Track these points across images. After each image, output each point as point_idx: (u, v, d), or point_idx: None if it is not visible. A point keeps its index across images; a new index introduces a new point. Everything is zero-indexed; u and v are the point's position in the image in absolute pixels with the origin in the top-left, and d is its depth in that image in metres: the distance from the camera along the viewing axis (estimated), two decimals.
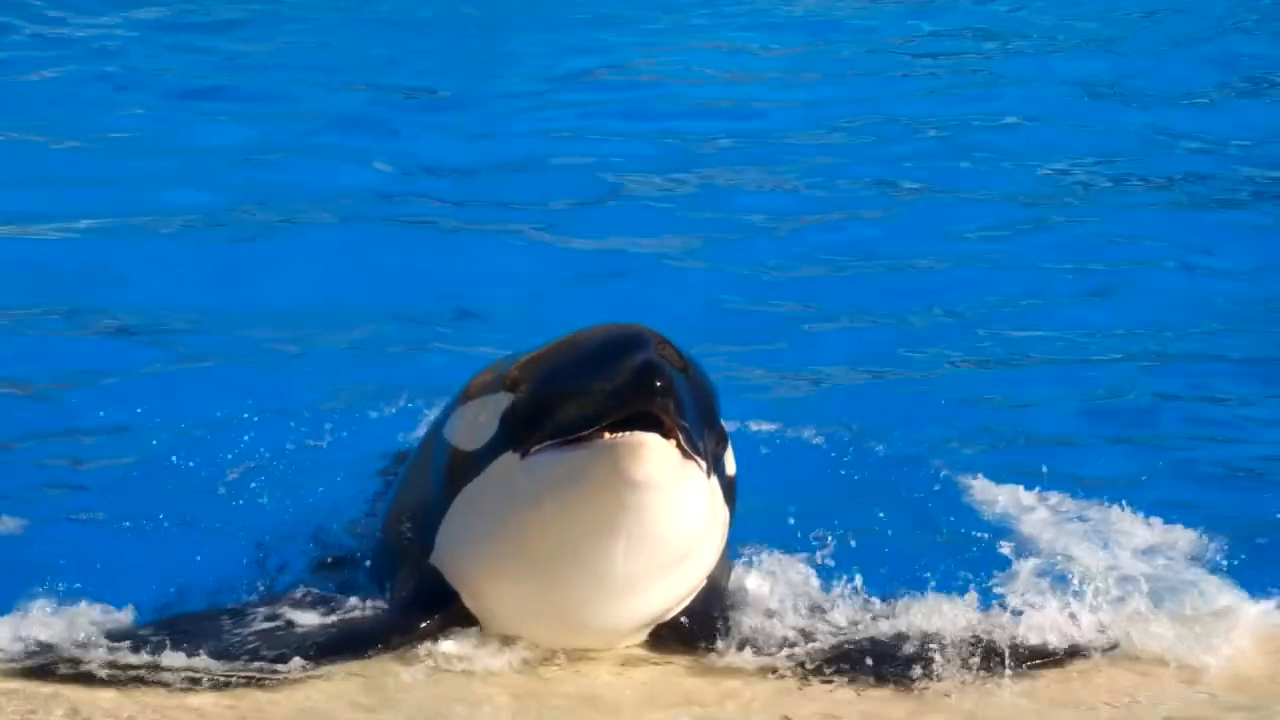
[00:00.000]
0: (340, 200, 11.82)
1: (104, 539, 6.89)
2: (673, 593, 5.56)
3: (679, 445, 5.24)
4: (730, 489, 5.67)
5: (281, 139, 13.13)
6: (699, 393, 5.40)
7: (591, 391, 5.24)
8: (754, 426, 7.87)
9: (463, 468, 5.54)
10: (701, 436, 5.35)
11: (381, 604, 5.71)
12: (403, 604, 5.66)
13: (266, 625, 5.62)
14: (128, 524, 7.13)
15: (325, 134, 13.20)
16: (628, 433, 5.18)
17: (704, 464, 5.36)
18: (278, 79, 14.58)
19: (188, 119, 13.43)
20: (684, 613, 5.67)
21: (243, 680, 5.42)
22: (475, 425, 5.54)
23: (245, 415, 8.07)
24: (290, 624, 5.64)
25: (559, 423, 5.29)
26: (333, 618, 5.67)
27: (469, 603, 5.60)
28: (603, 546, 5.33)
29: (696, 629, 5.68)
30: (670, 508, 5.30)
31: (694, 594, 5.67)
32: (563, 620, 5.53)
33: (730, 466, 5.69)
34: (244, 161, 12.51)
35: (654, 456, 5.19)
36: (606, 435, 5.20)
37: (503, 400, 5.48)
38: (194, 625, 5.65)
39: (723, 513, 5.60)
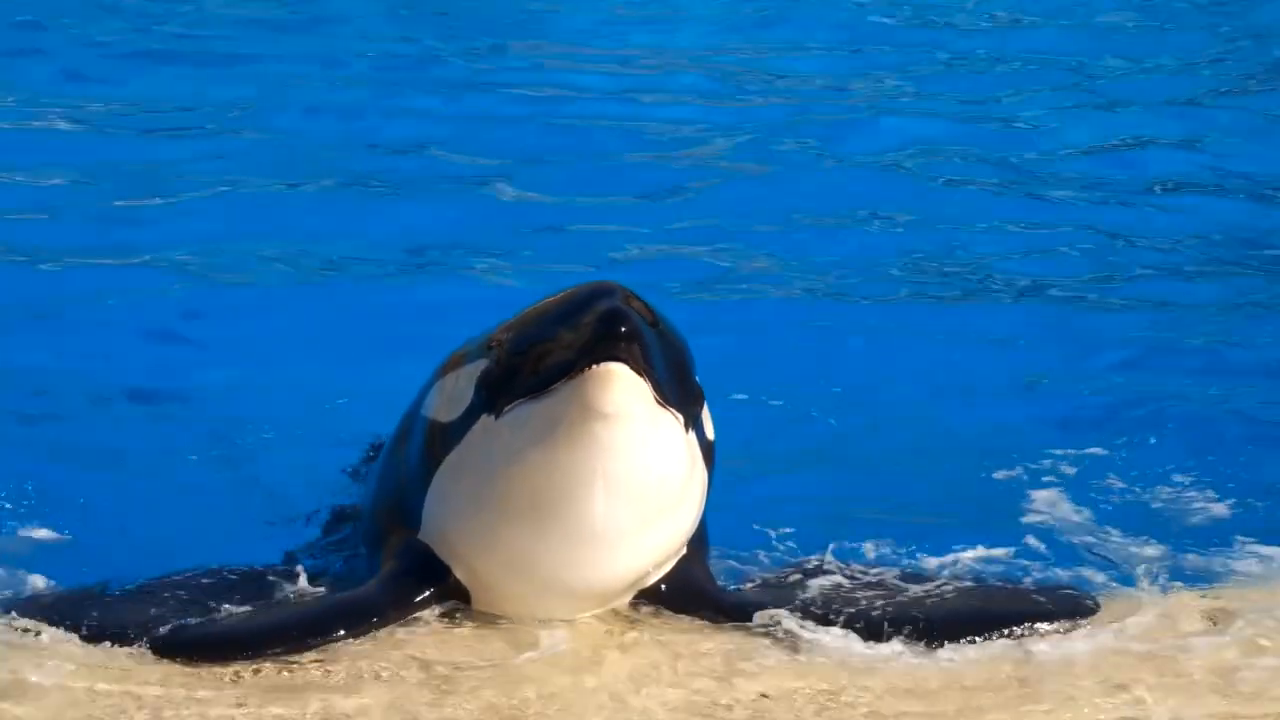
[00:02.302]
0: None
1: (91, 510, 6.92)
2: (654, 549, 5.56)
3: (649, 386, 5.26)
4: (709, 452, 5.68)
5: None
6: (669, 346, 5.42)
7: (559, 344, 5.28)
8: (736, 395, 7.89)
9: (442, 439, 5.56)
10: (673, 386, 5.36)
11: (375, 583, 5.69)
12: (395, 581, 5.65)
13: (255, 600, 5.62)
14: (113, 495, 7.20)
15: None
16: (594, 366, 5.20)
17: (678, 415, 5.39)
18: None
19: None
20: (663, 580, 5.68)
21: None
22: (452, 396, 5.58)
23: (242, 392, 8.18)
24: (282, 600, 5.64)
25: (530, 378, 5.33)
26: (325, 596, 5.65)
27: (460, 574, 5.61)
28: (582, 492, 5.34)
29: (675, 597, 5.69)
30: (644, 446, 5.32)
31: (674, 559, 5.68)
32: (549, 579, 5.51)
33: (709, 430, 5.69)
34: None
35: (621, 386, 5.21)
36: (575, 378, 5.23)
37: (477, 367, 5.51)
38: (173, 592, 5.66)
39: (702, 474, 5.61)
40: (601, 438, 5.27)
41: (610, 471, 5.32)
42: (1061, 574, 6.20)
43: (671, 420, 5.37)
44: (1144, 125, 13.56)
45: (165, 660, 5.35)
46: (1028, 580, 6.05)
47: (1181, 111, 13.89)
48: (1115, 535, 6.67)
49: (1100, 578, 6.15)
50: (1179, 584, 6.09)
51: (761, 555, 6.19)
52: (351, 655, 5.43)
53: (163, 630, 5.44)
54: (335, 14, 15.80)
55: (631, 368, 5.22)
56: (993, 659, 5.53)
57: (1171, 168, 12.49)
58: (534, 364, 5.32)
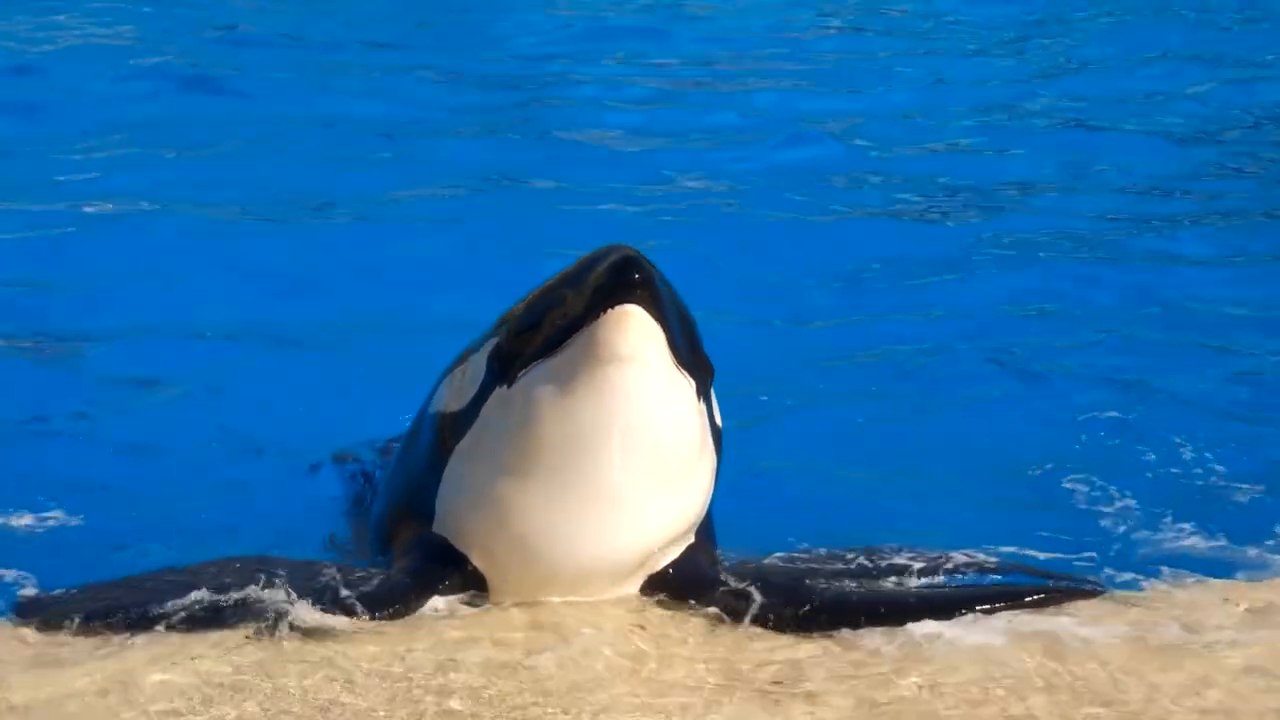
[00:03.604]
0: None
1: (112, 502, 6.91)
2: (665, 522, 5.51)
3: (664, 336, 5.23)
4: (718, 439, 5.65)
5: None
6: (680, 308, 5.39)
7: (571, 305, 5.26)
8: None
9: (454, 427, 5.55)
10: (685, 347, 5.34)
11: (393, 573, 5.66)
12: (413, 572, 5.62)
13: (267, 586, 5.56)
14: (134, 491, 7.12)
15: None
16: (609, 310, 5.18)
17: (690, 379, 5.36)
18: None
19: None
20: (671, 565, 5.64)
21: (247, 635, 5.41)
22: (462, 386, 5.57)
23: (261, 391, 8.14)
24: (299, 587, 5.57)
25: (542, 341, 5.31)
26: (344, 588, 5.57)
27: (476, 560, 5.57)
28: (599, 444, 5.30)
29: (684, 584, 5.65)
30: (659, 397, 5.29)
31: (683, 545, 5.65)
32: (563, 549, 5.45)
33: (718, 416, 5.67)
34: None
35: (637, 326, 5.20)
36: (589, 325, 5.21)
37: (487, 348, 5.50)
38: (188, 577, 5.63)
39: (712, 454, 5.58)
40: (617, 382, 5.23)
41: (626, 420, 5.27)
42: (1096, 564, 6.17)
43: (685, 382, 5.34)
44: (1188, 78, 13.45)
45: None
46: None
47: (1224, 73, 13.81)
48: (1151, 525, 6.64)
49: (1128, 567, 6.12)
50: (1213, 575, 6.05)
51: (775, 544, 6.12)
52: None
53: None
54: None
55: (646, 311, 5.18)
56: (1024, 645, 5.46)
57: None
58: (547, 327, 5.30)
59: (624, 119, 13.43)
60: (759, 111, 13.57)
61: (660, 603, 5.60)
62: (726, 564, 5.79)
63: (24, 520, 6.50)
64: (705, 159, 12.39)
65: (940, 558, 5.83)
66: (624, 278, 5.18)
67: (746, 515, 6.23)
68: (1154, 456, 7.38)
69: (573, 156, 12.46)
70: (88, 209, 10.95)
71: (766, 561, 5.89)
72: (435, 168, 12.22)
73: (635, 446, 5.31)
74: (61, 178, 11.60)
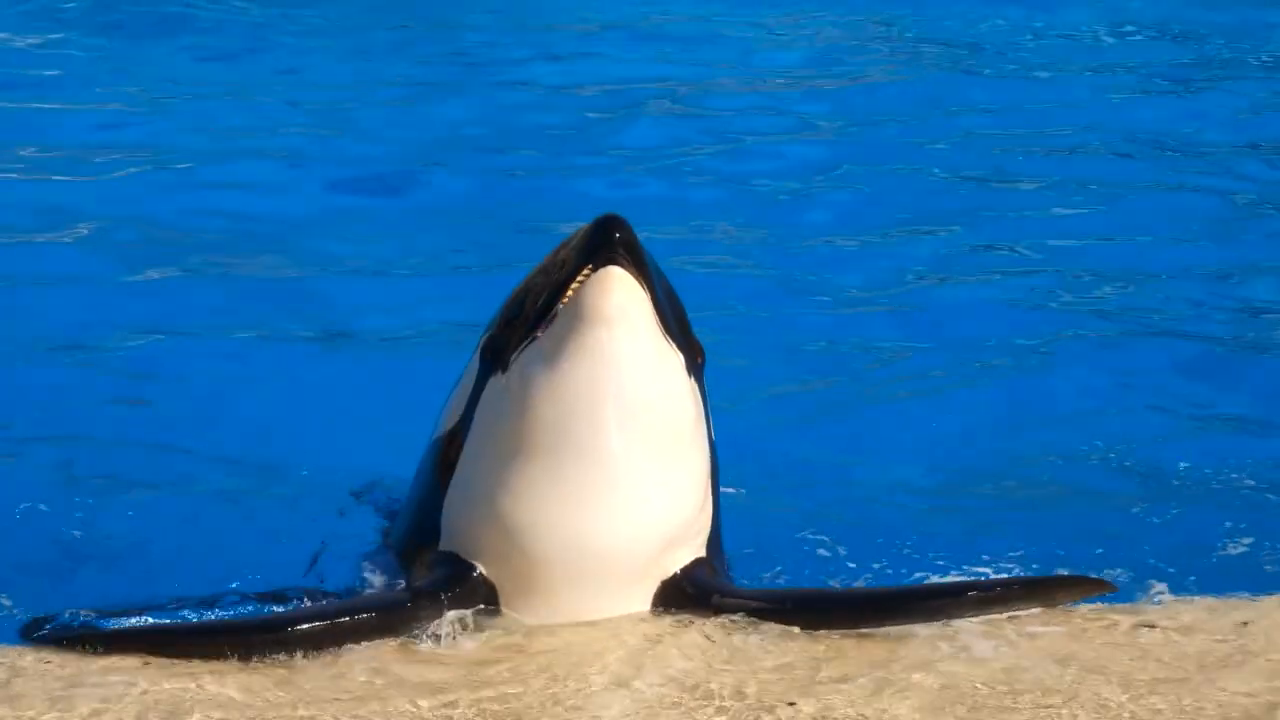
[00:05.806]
0: None
1: (139, 536, 6.88)
2: (667, 506, 5.46)
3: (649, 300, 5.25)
4: (711, 442, 5.61)
5: None
6: (667, 284, 5.40)
7: (552, 278, 5.30)
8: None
9: (455, 431, 5.54)
10: (672, 320, 5.34)
11: (404, 589, 5.65)
12: (423, 586, 5.57)
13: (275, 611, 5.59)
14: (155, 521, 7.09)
15: None
16: (593, 273, 5.21)
17: (680, 353, 5.37)
18: None
19: None
20: (681, 573, 5.60)
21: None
22: (458, 396, 5.58)
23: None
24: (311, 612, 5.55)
25: (529, 321, 5.33)
26: (356, 606, 5.56)
27: (485, 568, 5.52)
28: (592, 417, 5.27)
29: (694, 594, 5.61)
30: (649, 363, 5.27)
31: (691, 551, 5.60)
32: (564, 540, 5.38)
33: (710, 424, 5.64)
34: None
35: (621, 286, 5.20)
36: (574, 291, 5.24)
37: (478, 348, 5.51)
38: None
39: (705, 440, 5.55)
40: (606, 345, 5.22)
41: (618, 385, 5.25)
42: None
43: (674, 353, 5.35)
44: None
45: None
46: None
47: None
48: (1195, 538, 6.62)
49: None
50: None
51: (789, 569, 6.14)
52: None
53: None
54: None
55: (630, 273, 5.21)
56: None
57: None
58: (532, 307, 5.33)
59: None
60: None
61: (672, 615, 5.54)
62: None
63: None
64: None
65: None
66: (607, 237, 5.20)
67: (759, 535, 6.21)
68: (1189, 466, 7.35)
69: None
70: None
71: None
72: None
73: (628, 415, 5.29)
74: None
